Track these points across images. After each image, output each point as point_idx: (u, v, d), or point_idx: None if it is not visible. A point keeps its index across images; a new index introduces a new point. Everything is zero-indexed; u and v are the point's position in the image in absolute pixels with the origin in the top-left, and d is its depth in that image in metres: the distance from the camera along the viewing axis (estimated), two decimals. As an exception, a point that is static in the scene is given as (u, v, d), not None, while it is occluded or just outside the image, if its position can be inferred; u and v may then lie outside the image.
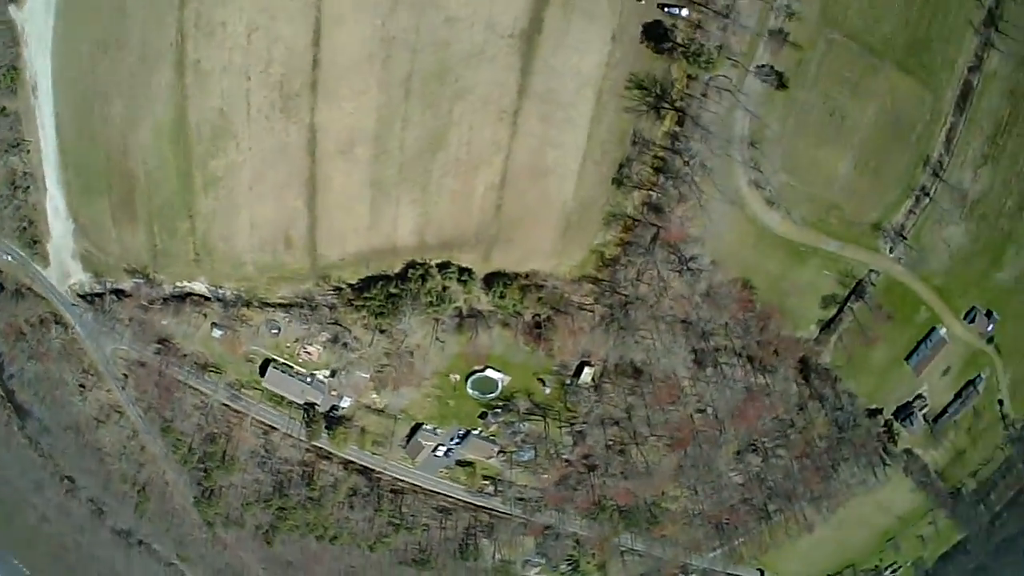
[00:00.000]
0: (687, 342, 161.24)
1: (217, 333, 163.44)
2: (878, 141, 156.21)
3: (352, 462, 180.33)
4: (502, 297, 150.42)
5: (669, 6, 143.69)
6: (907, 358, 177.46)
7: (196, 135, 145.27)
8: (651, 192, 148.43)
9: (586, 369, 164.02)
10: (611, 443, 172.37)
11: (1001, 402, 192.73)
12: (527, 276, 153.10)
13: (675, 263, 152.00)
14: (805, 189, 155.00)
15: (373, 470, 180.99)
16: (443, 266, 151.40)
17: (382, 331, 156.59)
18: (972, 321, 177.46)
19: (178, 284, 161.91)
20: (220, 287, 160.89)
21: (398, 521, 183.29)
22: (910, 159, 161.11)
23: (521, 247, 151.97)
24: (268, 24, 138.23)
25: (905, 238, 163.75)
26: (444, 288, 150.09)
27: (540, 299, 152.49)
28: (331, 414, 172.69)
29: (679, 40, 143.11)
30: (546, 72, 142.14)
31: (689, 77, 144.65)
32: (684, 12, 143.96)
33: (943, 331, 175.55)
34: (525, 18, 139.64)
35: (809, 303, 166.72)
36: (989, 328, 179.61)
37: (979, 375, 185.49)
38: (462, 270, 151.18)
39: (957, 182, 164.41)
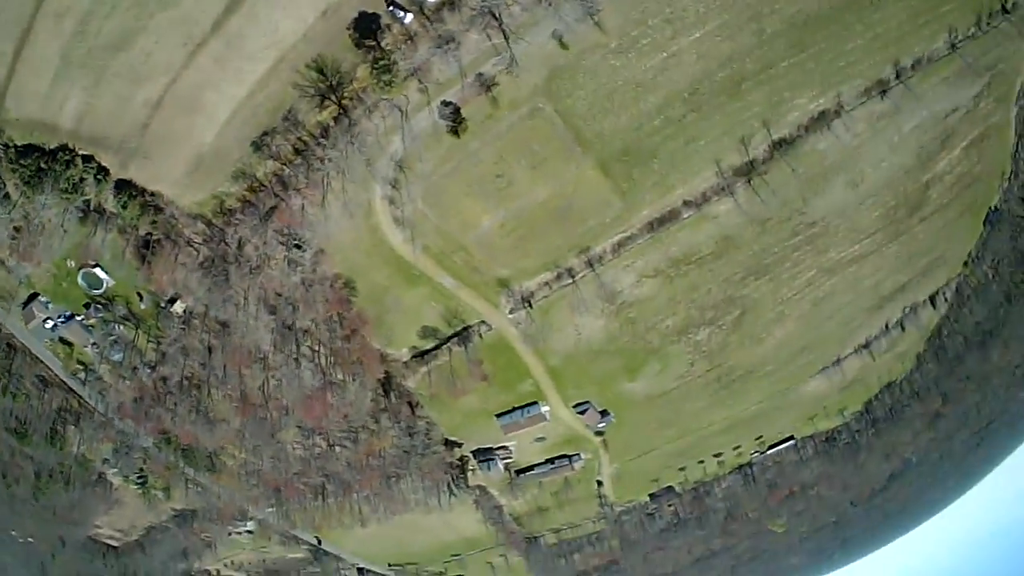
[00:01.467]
0: (274, 318, 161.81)
1: None
2: (538, 217, 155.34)
3: None
4: (124, 207, 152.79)
5: (396, 6, 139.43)
6: (499, 415, 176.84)
7: None
8: (284, 168, 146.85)
9: (178, 301, 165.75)
10: (187, 378, 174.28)
11: (600, 483, 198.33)
12: (152, 195, 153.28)
13: (284, 238, 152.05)
14: (439, 225, 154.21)
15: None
16: (87, 159, 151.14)
17: (27, 197, 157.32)
18: (583, 413, 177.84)
19: None
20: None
21: (6, 380, 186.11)
22: (566, 242, 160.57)
23: (154, 167, 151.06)
24: None
25: (531, 306, 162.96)
26: (81, 179, 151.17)
27: (155, 221, 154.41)
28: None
29: (384, 44, 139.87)
30: (248, 16, 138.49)
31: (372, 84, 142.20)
32: (408, 18, 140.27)
33: (545, 409, 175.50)
34: None
35: (407, 326, 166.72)
36: (601, 425, 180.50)
37: (578, 454, 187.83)
38: (101, 168, 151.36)
39: (612, 281, 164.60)
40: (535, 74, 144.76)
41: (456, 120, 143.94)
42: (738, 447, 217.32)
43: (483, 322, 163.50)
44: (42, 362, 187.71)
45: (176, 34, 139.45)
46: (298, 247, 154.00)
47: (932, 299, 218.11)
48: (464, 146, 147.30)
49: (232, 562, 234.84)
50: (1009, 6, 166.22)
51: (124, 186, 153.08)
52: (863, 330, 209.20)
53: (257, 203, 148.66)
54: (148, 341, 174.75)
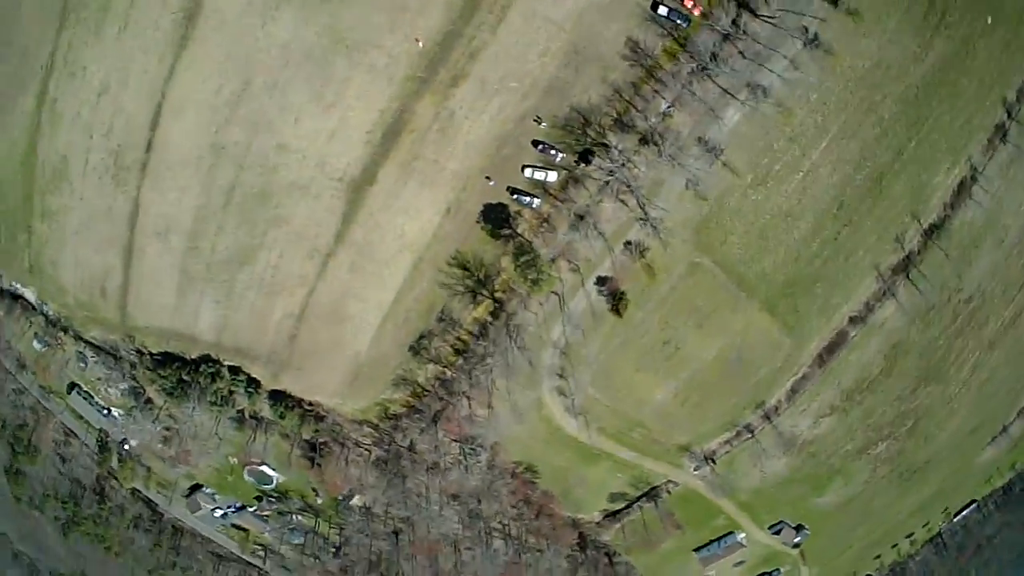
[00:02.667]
0: (460, 508, 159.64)
1: (37, 345, 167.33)
2: (710, 378, 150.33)
3: (139, 491, 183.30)
4: (282, 417, 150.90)
5: (520, 193, 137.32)
6: (697, 549, 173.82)
7: (40, 168, 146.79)
8: (446, 371, 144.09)
9: (356, 496, 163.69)
10: (375, 559, 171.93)
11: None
12: (311, 404, 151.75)
13: (456, 441, 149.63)
14: (612, 406, 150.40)
15: (157, 505, 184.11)
16: (234, 370, 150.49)
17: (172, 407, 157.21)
18: (778, 533, 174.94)
19: (13, 283, 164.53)
20: (45, 303, 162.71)
21: (175, 557, 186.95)
22: (742, 401, 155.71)
23: (309, 379, 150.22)
24: (117, 90, 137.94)
25: (714, 463, 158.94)
26: (230, 392, 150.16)
27: (317, 430, 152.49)
28: (123, 447, 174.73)
29: (520, 231, 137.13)
30: (369, 225, 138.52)
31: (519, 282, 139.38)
32: (535, 203, 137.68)
33: (741, 536, 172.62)
34: (359, 167, 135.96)
35: (595, 496, 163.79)
36: (797, 540, 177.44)
37: (778, 569, 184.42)
38: (251, 380, 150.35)
39: (790, 427, 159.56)
40: (683, 230, 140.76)
41: (616, 297, 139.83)
42: (927, 523, 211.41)
43: (669, 480, 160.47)
44: (214, 542, 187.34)
45: (298, 248, 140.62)
46: (472, 450, 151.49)
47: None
48: (627, 321, 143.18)
49: None
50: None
51: (279, 396, 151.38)
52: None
53: (423, 408, 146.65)
54: (330, 527, 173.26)
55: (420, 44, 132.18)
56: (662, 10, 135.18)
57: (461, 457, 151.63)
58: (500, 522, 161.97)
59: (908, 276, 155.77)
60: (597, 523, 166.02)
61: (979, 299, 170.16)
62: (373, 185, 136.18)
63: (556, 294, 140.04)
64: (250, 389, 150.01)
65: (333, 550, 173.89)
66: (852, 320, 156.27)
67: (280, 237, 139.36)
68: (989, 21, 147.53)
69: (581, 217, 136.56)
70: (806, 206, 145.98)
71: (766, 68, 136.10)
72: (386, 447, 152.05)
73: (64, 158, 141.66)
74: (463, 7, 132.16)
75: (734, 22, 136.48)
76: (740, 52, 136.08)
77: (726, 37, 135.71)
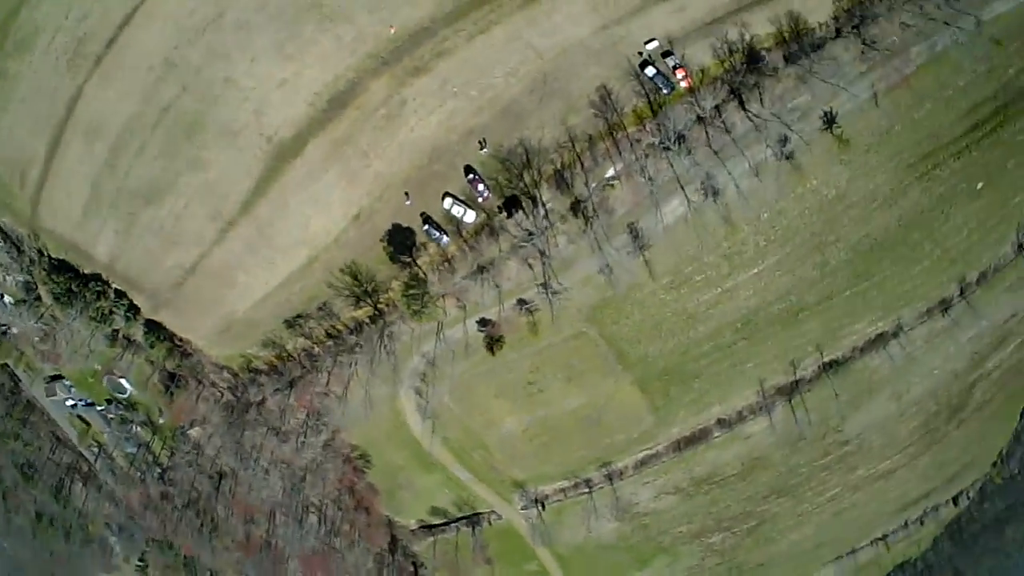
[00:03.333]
0: (283, 477, 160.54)
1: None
2: (564, 425, 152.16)
3: (8, 365, 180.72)
4: (152, 346, 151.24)
5: (432, 224, 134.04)
6: None
7: (13, 32, 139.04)
8: (314, 346, 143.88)
9: (196, 428, 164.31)
10: (194, 499, 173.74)
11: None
12: (181, 340, 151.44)
13: (305, 410, 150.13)
14: (462, 419, 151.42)
15: (21, 381, 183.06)
16: (120, 294, 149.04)
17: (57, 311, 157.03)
18: None
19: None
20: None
21: (20, 429, 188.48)
22: (588, 455, 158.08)
23: (185, 319, 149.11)
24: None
25: (543, 507, 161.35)
26: (111, 312, 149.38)
27: (180, 365, 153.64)
28: (4, 329, 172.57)
29: (420, 262, 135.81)
30: (277, 204, 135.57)
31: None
32: (444, 240, 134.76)
33: None
34: (292, 129, 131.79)
35: (418, 504, 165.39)
36: None
37: None
38: (132, 306, 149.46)
39: (630, 494, 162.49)
40: (580, 304, 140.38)
41: (494, 339, 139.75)
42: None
43: (494, 511, 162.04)
44: (59, 425, 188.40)
45: (205, 204, 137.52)
46: (315, 426, 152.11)
47: (955, 499, 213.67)
48: (499, 358, 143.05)
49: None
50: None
51: (154, 326, 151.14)
52: (881, 528, 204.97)
53: (283, 371, 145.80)
54: (163, 448, 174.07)
55: (392, 31, 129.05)
56: (649, 70, 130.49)
57: (302, 429, 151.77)
58: (320, 501, 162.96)
59: (790, 401, 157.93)
60: (412, 530, 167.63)
61: (856, 445, 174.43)
62: (297, 158, 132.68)
63: (437, 320, 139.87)
64: (129, 314, 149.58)
65: (159, 471, 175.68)
66: (720, 422, 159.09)
67: (193, 184, 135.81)
68: (979, 187, 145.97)
69: (483, 269, 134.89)
70: (711, 315, 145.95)
71: (726, 168, 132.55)
72: (238, 395, 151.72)
73: (36, 30, 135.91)
74: (452, 11, 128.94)
75: (717, 108, 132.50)
76: (708, 141, 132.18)
77: (700, 119, 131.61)
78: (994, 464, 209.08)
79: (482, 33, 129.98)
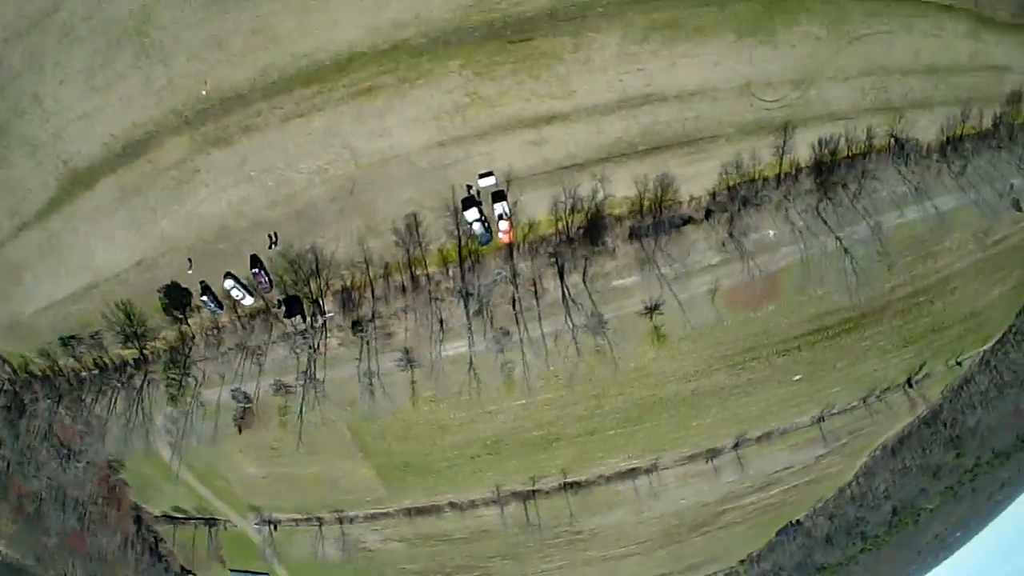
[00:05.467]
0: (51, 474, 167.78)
1: None
2: (302, 479, 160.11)
3: None
4: None
5: (211, 295, 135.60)
6: (233, 570, 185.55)
7: None
8: (82, 371, 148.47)
9: None
10: None
11: None
12: None
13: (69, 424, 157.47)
14: (208, 460, 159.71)
15: None
16: None
17: None
18: None
19: None
20: None
21: None
22: (322, 501, 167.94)
23: None
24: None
25: (275, 529, 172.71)
26: None
27: None
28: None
29: (191, 322, 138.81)
30: (70, 224, 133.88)
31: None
32: (218, 312, 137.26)
33: None
34: (85, 162, 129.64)
35: (164, 503, 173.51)
36: None
37: None
38: None
39: (358, 535, 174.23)
40: (337, 398, 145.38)
41: (242, 415, 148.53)
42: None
43: (230, 520, 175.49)
44: None
45: (6, 199, 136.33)
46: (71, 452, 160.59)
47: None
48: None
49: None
50: (913, 380, 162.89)
51: None
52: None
53: (56, 383, 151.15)
54: None
55: (206, 90, 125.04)
56: (470, 214, 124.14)
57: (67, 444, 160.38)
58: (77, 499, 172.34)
59: (524, 503, 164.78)
60: (156, 516, 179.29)
61: (589, 536, 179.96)
62: (89, 190, 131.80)
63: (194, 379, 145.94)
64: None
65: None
66: (452, 504, 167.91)
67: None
68: (796, 379, 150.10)
69: (252, 350, 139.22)
70: (464, 430, 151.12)
71: (523, 327, 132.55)
72: (13, 394, 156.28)
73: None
74: (275, 82, 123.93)
75: (535, 282, 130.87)
76: (512, 301, 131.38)
77: (512, 277, 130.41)
78: (742, 562, 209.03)
79: (300, 116, 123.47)
